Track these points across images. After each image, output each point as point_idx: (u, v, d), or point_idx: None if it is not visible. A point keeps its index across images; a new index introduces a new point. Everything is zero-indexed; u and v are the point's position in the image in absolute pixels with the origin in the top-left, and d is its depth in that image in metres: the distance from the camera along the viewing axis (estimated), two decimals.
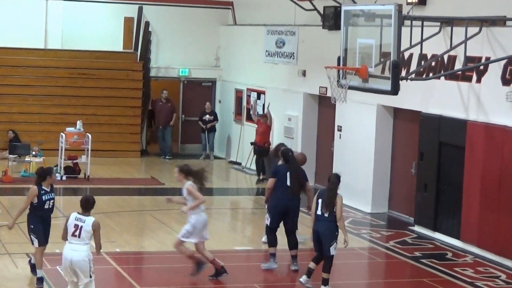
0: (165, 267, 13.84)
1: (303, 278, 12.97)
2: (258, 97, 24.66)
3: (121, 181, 22.19)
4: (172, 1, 27.47)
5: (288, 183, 14.03)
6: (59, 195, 19.08)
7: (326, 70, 14.81)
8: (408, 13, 14.90)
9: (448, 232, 16.56)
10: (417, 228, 17.46)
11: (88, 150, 21.80)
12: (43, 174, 12.50)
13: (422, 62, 16.79)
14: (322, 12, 21.08)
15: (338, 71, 14.82)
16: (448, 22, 15.81)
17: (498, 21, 15.57)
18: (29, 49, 25.81)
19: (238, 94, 26.03)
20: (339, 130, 20.53)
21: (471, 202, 15.85)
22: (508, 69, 15.11)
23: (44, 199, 12.38)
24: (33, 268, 12.84)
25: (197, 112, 26.83)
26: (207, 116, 26.24)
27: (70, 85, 25.65)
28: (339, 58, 14.92)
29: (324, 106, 21.87)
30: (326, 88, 20.43)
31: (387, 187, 19.25)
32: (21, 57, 25.56)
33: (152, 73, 27.26)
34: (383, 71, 14.12)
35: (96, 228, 10.85)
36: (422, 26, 14.99)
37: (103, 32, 26.79)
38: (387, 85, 13.70)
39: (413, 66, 17.24)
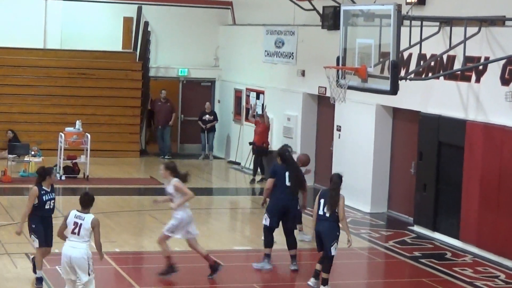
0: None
1: (312, 281, 12.98)
2: (258, 97, 24.66)
3: (120, 181, 22.19)
4: (171, 1, 27.48)
5: (287, 183, 14.04)
6: (58, 195, 19.02)
7: (325, 70, 14.82)
8: (407, 13, 14.91)
9: (448, 232, 16.56)
10: (416, 228, 17.46)
11: (87, 150, 21.80)
12: (43, 173, 12.49)
13: (421, 62, 16.80)
14: (321, 12, 21.08)
15: (337, 71, 14.83)
16: (447, 22, 15.82)
17: (497, 21, 15.58)
18: (28, 49, 25.81)
19: (237, 94, 26.04)
20: (338, 130, 20.53)
21: (470, 202, 15.86)
22: (507, 69, 15.12)
23: (44, 199, 12.37)
24: (35, 266, 12.82)
25: (196, 112, 26.83)
26: (207, 116, 26.24)
27: (69, 85, 25.65)
28: (338, 58, 14.92)
29: (323, 106, 21.87)
30: (325, 88, 20.43)
31: (387, 187, 19.25)
32: (20, 57, 25.56)
33: (152, 73, 27.27)
34: (382, 71, 14.11)
35: (95, 225, 10.86)
36: (421, 26, 15.00)
37: (102, 32, 26.79)
38: (386, 85, 13.70)
39: (412, 66, 17.24)
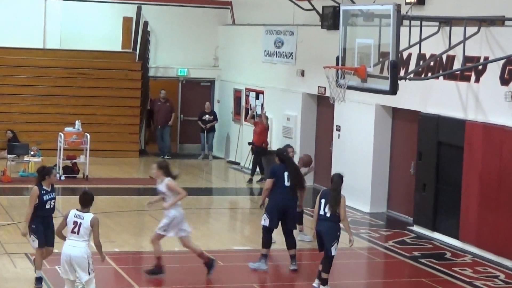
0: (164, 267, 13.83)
1: (316, 282, 12.98)
2: (257, 97, 24.66)
3: (120, 181, 22.19)
4: (170, 1, 27.48)
5: (286, 183, 14.04)
6: (57, 195, 19.00)
7: (324, 70, 14.81)
8: (406, 13, 14.92)
9: (447, 232, 16.56)
10: (416, 228, 17.46)
11: (86, 150, 21.79)
12: (43, 173, 12.48)
13: (421, 62, 16.79)
14: (321, 12, 21.09)
15: (337, 71, 14.83)
16: (446, 22, 15.82)
17: (497, 21, 15.58)
18: (28, 49, 25.81)
19: (237, 94, 26.04)
20: (338, 130, 20.53)
21: (470, 202, 15.86)
22: (507, 69, 15.12)
23: (45, 199, 12.36)
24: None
25: (195, 112, 26.83)
26: (207, 116, 26.24)
27: (69, 85, 25.65)
28: (337, 58, 14.92)
29: (323, 106, 21.87)
30: (325, 88, 20.43)
31: (386, 187, 19.25)
32: (20, 57, 25.56)
33: (151, 73, 27.27)
34: (381, 71, 14.12)
35: (94, 224, 10.88)
36: (421, 26, 15.00)
37: (102, 32, 26.79)
38: (385, 85, 13.70)
39: (412, 66, 17.24)
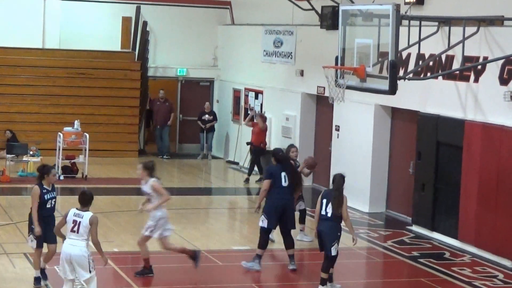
0: (163, 267, 13.83)
1: (327, 285, 12.99)
2: (256, 97, 24.65)
3: (119, 180, 22.18)
4: (170, 0, 27.48)
5: (284, 183, 14.03)
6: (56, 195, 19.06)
7: (324, 70, 14.81)
8: (406, 13, 14.93)
9: (446, 231, 16.56)
10: (414, 228, 17.46)
11: (86, 149, 21.79)
12: (42, 172, 12.46)
13: (420, 62, 16.80)
14: (320, 11, 21.09)
15: (336, 70, 14.83)
16: (446, 21, 15.82)
17: (496, 21, 15.58)
18: (27, 49, 25.81)
19: (236, 93, 26.03)
20: (337, 129, 20.53)
21: (468, 202, 15.86)
22: (506, 69, 15.12)
23: (46, 198, 12.35)
24: (43, 273, 12.69)
25: (195, 111, 26.83)
26: (207, 116, 26.23)
27: (68, 85, 25.65)
28: (337, 58, 14.92)
29: (322, 105, 21.87)
30: (324, 87, 20.44)
31: (385, 186, 19.26)
32: (19, 57, 25.55)
33: (150, 72, 27.27)
34: (381, 70, 14.11)
35: (92, 222, 10.91)
36: (420, 26, 14.99)
37: (101, 32, 26.78)
38: (385, 84, 13.70)
39: (411, 66, 17.24)
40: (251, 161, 23.02)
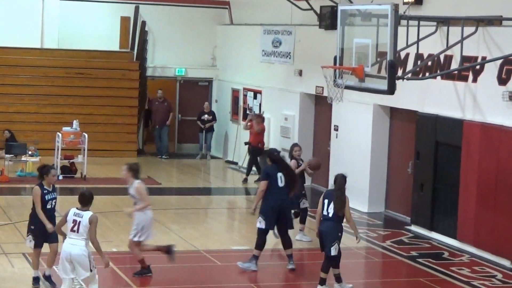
0: (162, 267, 13.83)
1: (335, 286, 13.00)
2: (255, 97, 24.66)
3: (118, 180, 22.05)
4: (168, 0, 27.47)
5: (280, 183, 14.02)
6: None
7: (322, 70, 14.82)
8: (404, 12, 14.91)
9: (445, 231, 16.57)
10: (413, 228, 17.47)
11: (84, 149, 21.79)
12: (42, 172, 12.46)
13: (419, 62, 16.78)
14: (318, 11, 21.09)
15: (335, 70, 14.83)
16: (444, 21, 15.81)
17: (495, 21, 15.59)
18: (25, 49, 25.80)
19: (235, 93, 26.03)
20: (336, 129, 20.54)
21: (467, 202, 15.87)
22: (504, 69, 15.13)
23: (46, 199, 12.34)
24: (49, 279, 12.66)
25: (193, 111, 26.83)
26: (206, 116, 26.22)
27: (67, 85, 25.64)
28: (335, 58, 14.92)
29: (321, 105, 21.87)
30: (323, 87, 20.44)
31: (384, 186, 19.26)
32: (17, 57, 25.55)
33: (149, 72, 27.26)
34: (379, 70, 14.11)
35: (92, 221, 10.94)
36: (419, 26, 14.98)
37: (99, 32, 26.78)
38: (383, 84, 13.70)
39: (410, 66, 17.24)
40: (248, 161, 23.03)
